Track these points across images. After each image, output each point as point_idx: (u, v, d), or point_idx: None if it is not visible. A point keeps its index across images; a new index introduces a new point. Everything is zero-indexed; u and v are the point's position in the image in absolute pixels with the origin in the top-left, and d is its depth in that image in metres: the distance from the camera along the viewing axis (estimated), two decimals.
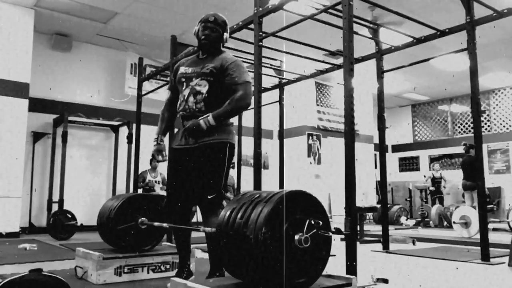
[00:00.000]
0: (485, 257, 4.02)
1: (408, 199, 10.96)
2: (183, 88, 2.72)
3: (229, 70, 2.61)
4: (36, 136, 7.36)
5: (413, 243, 5.48)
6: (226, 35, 2.78)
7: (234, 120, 2.95)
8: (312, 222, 1.97)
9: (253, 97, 4.19)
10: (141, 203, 3.27)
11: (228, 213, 2.03)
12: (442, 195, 10.04)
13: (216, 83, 2.62)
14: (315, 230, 1.96)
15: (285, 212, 1.91)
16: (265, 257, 1.82)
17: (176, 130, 2.83)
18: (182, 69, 2.79)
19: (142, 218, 3.21)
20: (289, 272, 1.91)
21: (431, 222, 8.81)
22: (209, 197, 2.56)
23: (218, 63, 2.65)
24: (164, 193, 6.25)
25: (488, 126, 11.64)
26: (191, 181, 2.66)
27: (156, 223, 3.11)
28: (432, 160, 12.72)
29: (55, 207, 6.87)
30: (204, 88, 2.63)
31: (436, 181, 10.07)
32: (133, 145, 6.98)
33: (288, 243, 1.90)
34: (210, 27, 2.73)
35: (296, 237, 1.92)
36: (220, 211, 2.68)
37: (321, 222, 1.99)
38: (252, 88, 2.87)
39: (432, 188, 9.92)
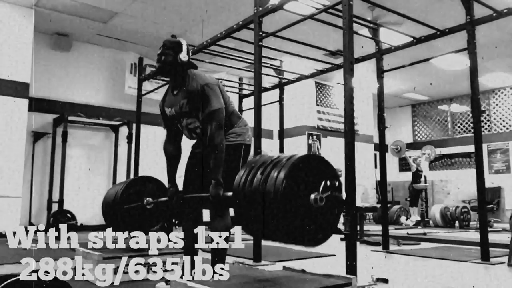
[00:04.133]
0: (485, 257, 4.02)
1: (408, 199, 10.95)
2: (182, 129, 2.75)
3: (197, 102, 2.55)
4: (36, 136, 7.36)
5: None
6: (182, 55, 2.59)
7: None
8: (328, 183, 2.09)
9: (253, 97, 4.21)
10: (145, 184, 3.30)
11: (245, 173, 2.13)
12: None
13: (199, 111, 2.59)
14: (329, 191, 2.09)
15: (302, 173, 2.04)
16: (285, 211, 1.94)
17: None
18: (167, 111, 2.75)
19: (148, 198, 3.21)
20: (306, 228, 2.03)
21: (430, 222, 8.81)
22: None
23: (187, 98, 2.59)
24: None
25: (488, 126, 11.64)
26: (204, 182, 2.67)
27: (162, 199, 3.10)
28: (432, 160, 12.73)
29: (55, 207, 6.87)
30: (196, 123, 2.64)
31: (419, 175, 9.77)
32: (133, 145, 6.99)
33: (305, 202, 2.02)
34: (159, 53, 2.64)
35: (312, 196, 2.02)
36: (228, 212, 2.70)
37: (337, 183, 2.14)
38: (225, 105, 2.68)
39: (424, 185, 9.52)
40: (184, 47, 2.62)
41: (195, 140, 2.84)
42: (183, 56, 2.59)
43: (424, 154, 10.07)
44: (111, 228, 3.30)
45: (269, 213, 1.98)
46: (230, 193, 2.37)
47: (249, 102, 6.97)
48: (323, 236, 2.14)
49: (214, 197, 2.44)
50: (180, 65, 2.60)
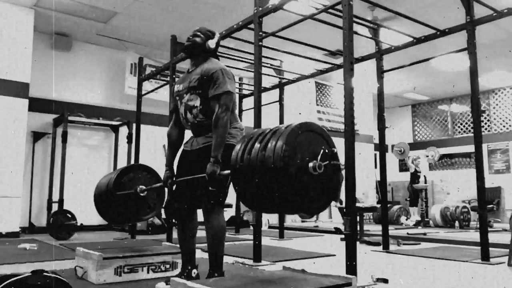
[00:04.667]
0: (485, 257, 4.02)
1: (408, 199, 10.96)
2: (179, 106, 2.78)
3: (209, 80, 2.60)
4: (36, 136, 7.36)
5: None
6: (210, 41, 2.75)
7: None
8: (326, 151, 2.12)
9: (253, 97, 4.21)
10: (138, 172, 3.31)
11: (243, 146, 2.15)
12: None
13: (205, 93, 2.62)
14: (327, 161, 2.11)
15: (301, 139, 2.07)
16: (285, 178, 1.94)
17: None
18: (175, 88, 2.84)
19: (141, 186, 3.22)
20: (306, 197, 2.05)
21: (430, 222, 8.81)
22: (210, 188, 2.51)
23: (201, 74, 2.64)
24: None
25: (488, 126, 11.65)
26: (196, 183, 2.65)
27: (156, 185, 3.11)
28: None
29: (55, 207, 6.87)
30: (196, 101, 2.65)
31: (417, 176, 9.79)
32: (133, 145, 6.99)
33: (304, 170, 2.03)
34: (192, 34, 2.79)
35: (311, 164, 2.04)
36: (222, 211, 2.68)
37: (335, 150, 2.17)
38: (235, 94, 2.76)
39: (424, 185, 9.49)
40: (216, 38, 2.79)
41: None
42: (212, 43, 2.75)
43: (428, 156, 10.04)
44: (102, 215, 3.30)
45: (270, 181, 1.97)
46: (227, 171, 2.36)
47: (249, 102, 6.98)
48: (323, 204, 2.16)
49: (210, 175, 2.44)
50: (206, 51, 2.75)
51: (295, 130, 2.05)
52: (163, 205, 2.89)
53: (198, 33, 2.77)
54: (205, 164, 2.52)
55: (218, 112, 2.53)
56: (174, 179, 2.78)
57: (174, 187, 2.79)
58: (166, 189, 2.95)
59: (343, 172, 2.94)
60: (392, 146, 13.60)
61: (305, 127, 2.12)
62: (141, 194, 3.20)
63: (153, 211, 3.35)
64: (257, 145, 2.08)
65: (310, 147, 2.10)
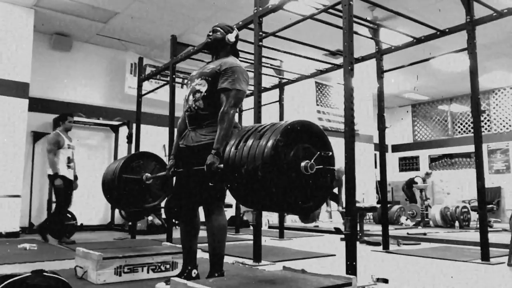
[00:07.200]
0: (485, 257, 4.02)
1: (406, 199, 10.95)
2: (187, 88, 2.81)
3: (224, 73, 2.62)
4: (36, 136, 7.36)
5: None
6: (229, 35, 2.81)
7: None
8: (322, 154, 2.09)
9: (253, 97, 4.21)
10: (146, 160, 3.35)
11: (236, 142, 2.13)
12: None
13: (215, 83, 2.64)
14: (322, 165, 2.07)
15: (294, 138, 2.04)
16: (276, 176, 1.92)
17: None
18: (191, 74, 2.89)
19: (147, 174, 3.24)
20: (297, 197, 2.02)
21: (430, 222, 8.81)
22: (209, 183, 2.52)
23: (218, 65, 2.68)
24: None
25: (488, 126, 11.65)
26: (194, 179, 2.66)
27: (161, 173, 3.12)
28: (432, 160, 12.75)
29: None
30: (203, 87, 2.67)
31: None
32: (133, 145, 6.98)
33: (295, 170, 2.00)
34: (212, 30, 2.85)
35: (303, 164, 2.01)
36: (224, 211, 2.68)
37: (330, 153, 2.14)
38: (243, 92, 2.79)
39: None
40: (234, 33, 2.86)
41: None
42: (231, 36, 2.80)
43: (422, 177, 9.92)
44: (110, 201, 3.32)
45: (260, 179, 1.95)
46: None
47: (249, 102, 6.97)
48: (314, 204, 2.13)
49: (209, 166, 2.43)
50: (226, 45, 2.80)
51: (294, 125, 2.03)
52: (165, 203, 2.90)
53: (218, 28, 2.83)
54: (199, 163, 2.52)
55: (226, 106, 2.54)
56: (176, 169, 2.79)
57: (173, 183, 2.79)
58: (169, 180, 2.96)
59: (343, 177, 2.93)
60: (392, 146, 13.65)
61: (305, 125, 2.10)
62: (147, 182, 3.23)
63: (155, 201, 3.38)
64: (253, 135, 2.07)
65: (306, 146, 2.07)
